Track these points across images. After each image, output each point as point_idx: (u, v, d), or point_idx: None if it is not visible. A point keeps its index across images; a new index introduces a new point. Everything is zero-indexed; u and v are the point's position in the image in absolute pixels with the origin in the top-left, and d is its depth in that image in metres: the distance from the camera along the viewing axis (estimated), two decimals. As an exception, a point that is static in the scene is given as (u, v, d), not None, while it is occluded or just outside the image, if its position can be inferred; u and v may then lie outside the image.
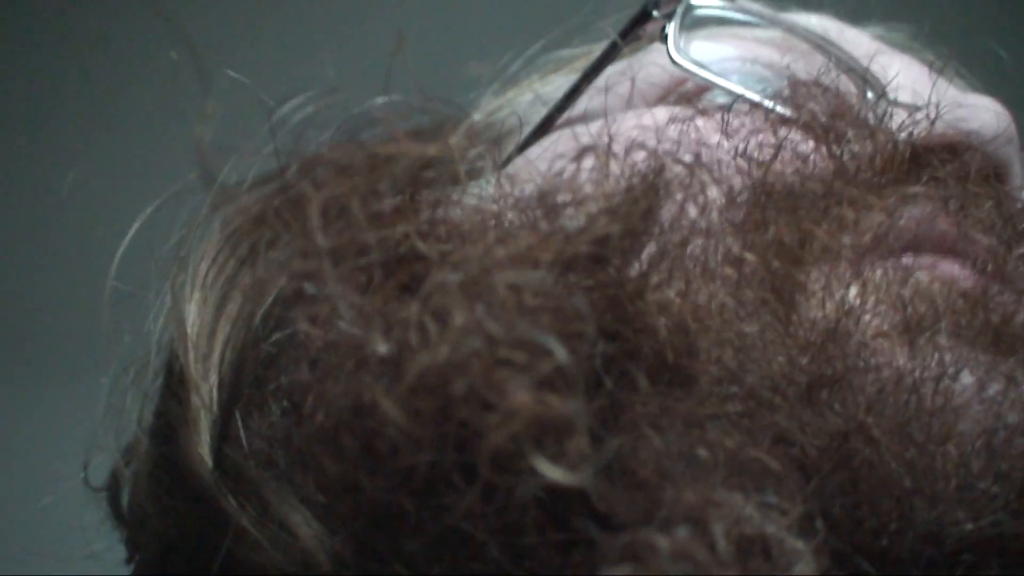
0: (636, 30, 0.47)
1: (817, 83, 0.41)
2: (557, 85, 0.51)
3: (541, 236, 0.30)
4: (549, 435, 0.27)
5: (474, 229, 0.31)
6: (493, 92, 0.54)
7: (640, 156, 0.34)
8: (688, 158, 0.35)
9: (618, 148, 0.35)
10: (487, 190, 0.36)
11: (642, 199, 0.32)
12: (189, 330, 0.36)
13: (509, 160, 0.45)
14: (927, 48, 0.56)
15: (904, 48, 0.54)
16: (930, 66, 0.53)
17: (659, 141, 0.36)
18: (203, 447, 0.35)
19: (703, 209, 0.34)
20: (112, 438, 0.41)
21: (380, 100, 0.39)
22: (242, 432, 0.34)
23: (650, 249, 0.33)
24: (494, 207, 0.32)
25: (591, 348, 0.29)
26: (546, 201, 0.31)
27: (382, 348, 0.28)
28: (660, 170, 0.33)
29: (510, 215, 0.32)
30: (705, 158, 0.37)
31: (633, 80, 0.45)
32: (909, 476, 0.31)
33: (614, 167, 0.34)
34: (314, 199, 0.29)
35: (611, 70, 0.47)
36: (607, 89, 0.46)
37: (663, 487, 0.28)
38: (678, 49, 0.45)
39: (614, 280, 0.31)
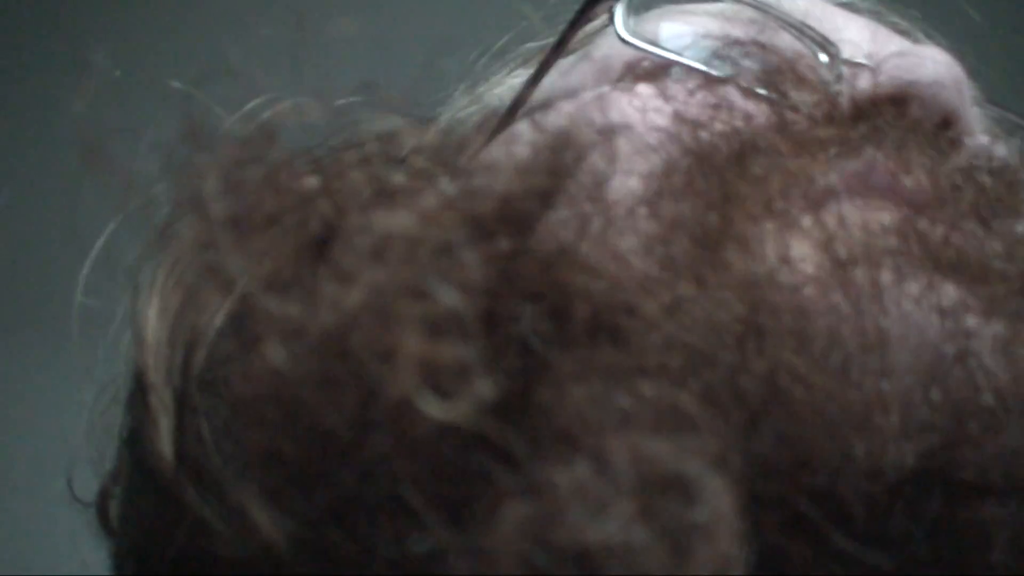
0: (588, 13, 0.48)
1: (754, 42, 0.41)
2: (525, 78, 0.52)
3: (445, 197, 0.30)
4: (445, 378, 0.27)
5: (382, 196, 0.32)
6: (463, 90, 0.55)
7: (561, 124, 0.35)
8: (611, 121, 0.35)
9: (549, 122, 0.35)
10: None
11: (549, 159, 0.32)
12: (148, 337, 0.37)
13: (478, 151, 0.46)
14: (894, 12, 0.57)
15: (867, 12, 0.54)
16: (894, 28, 0.54)
17: (582, 109, 0.36)
18: (165, 446, 0.35)
19: (631, 171, 0.35)
20: (95, 451, 0.42)
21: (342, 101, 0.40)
22: (204, 427, 0.35)
23: (573, 211, 0.33)
24: (406, 177, 0.33)
25: (513, 309, 0.30)
26: (455, 166, 0.32)
27: (291, 311, 0.29)
28: (568, 132, 0.33)
29: (422, 180, 0.33)
30: (639, 122, 0.37)
31: (588, 62, 0.46)
32: (845, 413, 0.31)
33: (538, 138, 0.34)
34: (212, 170, 0.30)
35: (570, 60, 0.48)
36: (564, 74, 0.46)
37: (580, 433, 0.28)
38: (628, 28, 0.45)
39: (532, 241, 0.31)
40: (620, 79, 0.44)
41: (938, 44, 0.57)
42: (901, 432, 0.31)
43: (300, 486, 0.30)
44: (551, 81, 0.48)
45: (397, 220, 0.29)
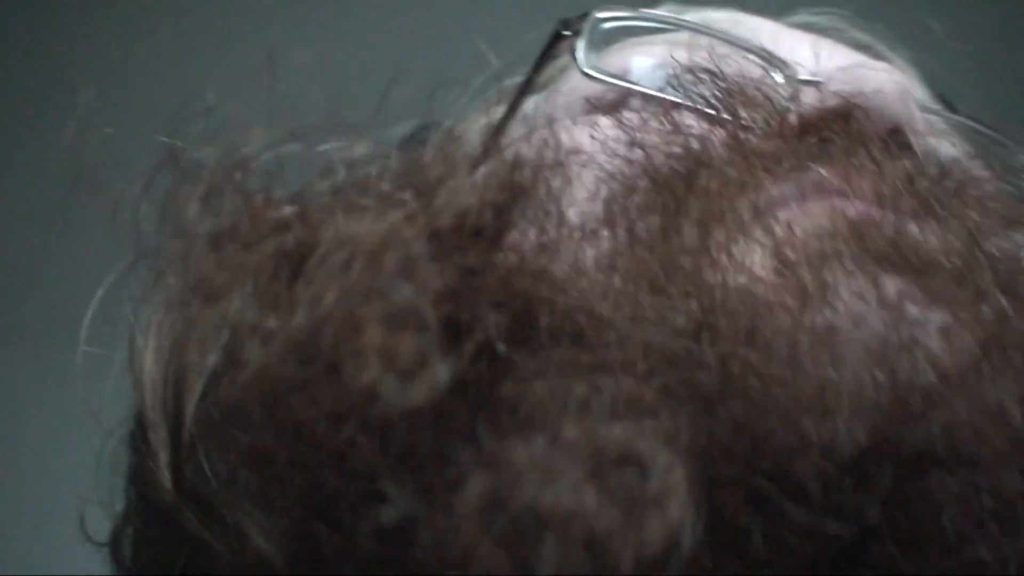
0: (552, 51, 0.51)
1: (707, 69, 0.44)
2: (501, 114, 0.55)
3: (409, 213, 0.33)
4: (404, 365, 0.30)
5: (349, 213, 0.35)
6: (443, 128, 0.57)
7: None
8: (569, 147, 0.38)
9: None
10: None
11: (505, 178, 0.35)
12: (145, 376, 0.40)
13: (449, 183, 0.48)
14: (855, 27, 0.59)
15: (828, 29, 0.56)
16: (853, 43, 0.56)
17: (539, 135, 0.38)
18: (164, 478, 0.38)
19: (589, 192, 0.37)
20: (105, 493, 0.44)
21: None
22: (201, 455, 0.37)
23: (536, 229, 0.36)
24: (374, 199, 0.36)
25: (477, 314, 0.32)
26: (420, 188, 0.34)
27: (270, 318, 0.32)
28: (523, 155, 0.36)
29: (389, 201, 0.35)
30: (598, 149, 0.40)
31: (554, 97, 0.48)
32: (798, 400, 0.33)
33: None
34: (192, 198, 0.33)
35: (540, 96, 0.51)
36: (534, 111, 0.49)
37: (540, 419, 0.30)
38: (589, 63, 0.48)
39: (497, 255, 0.34)
40: (582, 113, 0.47)
41: (900, 54, 0.59)
42: (851, 414, 0.33)
43: (286, 482, 0.33)
44: (522, 116, 0.51)
45: (364, 232, 0.32)
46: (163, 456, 0.38)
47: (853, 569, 0.33)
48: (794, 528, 0.32)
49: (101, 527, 0.46)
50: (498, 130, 0.50)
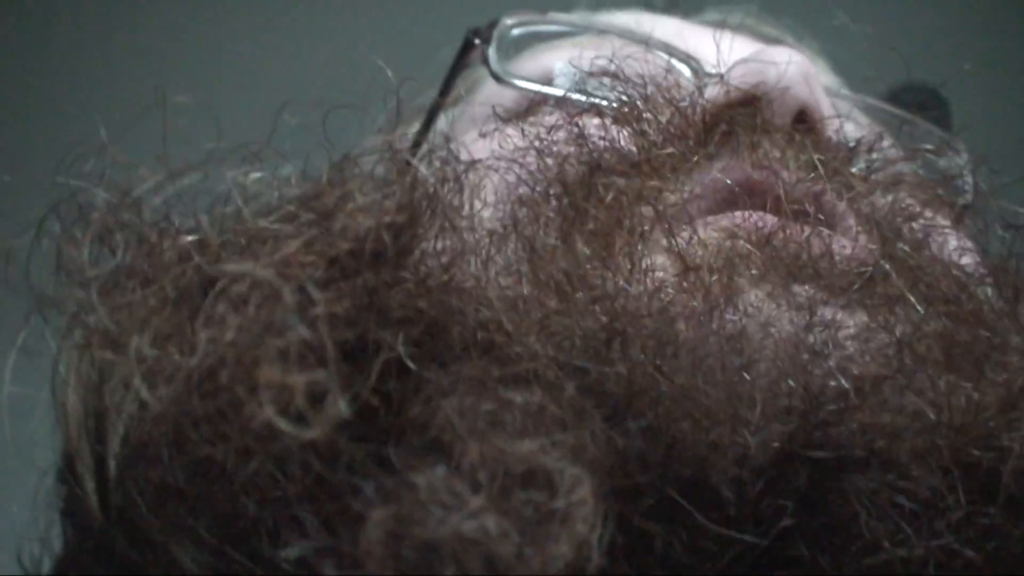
0: (464, 60, 0.51)
1: (611, 71, 0.44)
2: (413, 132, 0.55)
3: (307, 241, 0.33)
4: (301, 403, 0.30)
5: (250, 243, 0.35)
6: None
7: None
8: (466, 160, 0.38)
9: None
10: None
11: (403, 199, 0.35)
12: (69, 411, 0.40)
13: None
14: (765, 23, 0.59)
15: (740, 27, 0.57)
16: (763, 39, 0.56)
17: (439, 152, 0.39)
18: (93, 503, 0.38)
19: (491, 205, 0.37)
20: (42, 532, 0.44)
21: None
22: (128, 481, 0.37)
23: (442, 244, 0.36)
24: (273, 224, 0.36)
25: (383, 335, 0.32)
26: (322, 212, 0.35)
27: (168, 362, 0.32)
28: (419, 175, 0.36)
29: (287, 228, 0.35)
30: (501, 161, 0.40)
31: (467, 108, 0.49)
32: (709, 406, 0.33)
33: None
34: (84, 240, 0.33)
35: (454, 111, 0.51)
36: (448, 125, 0.50)
37: (447, 441, 0.31)
38: (501, 69, 0.48)
39: (402, 272, 0.34)
40: (490, 123, 0.46)
41: (808, 46, 0.60)
42: (764, 419, 0.33)
43: (199, 514, 0.33)
44: (441, 127, 0.52)
45: (261, 265, 0.32)
46: (90, 483, 0.38)
47: (771, 570, 0.34)
48: (708, 535, 0.33)
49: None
50: (415, 146, 0.50)
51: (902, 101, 0.60)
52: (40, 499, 0.46)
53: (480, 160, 0.38)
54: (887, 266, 0.38)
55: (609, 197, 0.38)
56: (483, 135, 0.44)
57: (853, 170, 0.42)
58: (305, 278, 0.32)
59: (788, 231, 0.38)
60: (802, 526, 0.33)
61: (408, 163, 0.36)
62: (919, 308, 0.36)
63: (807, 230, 0.38)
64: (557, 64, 0.48)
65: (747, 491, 0.33)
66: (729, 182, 0.40)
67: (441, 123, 0.52)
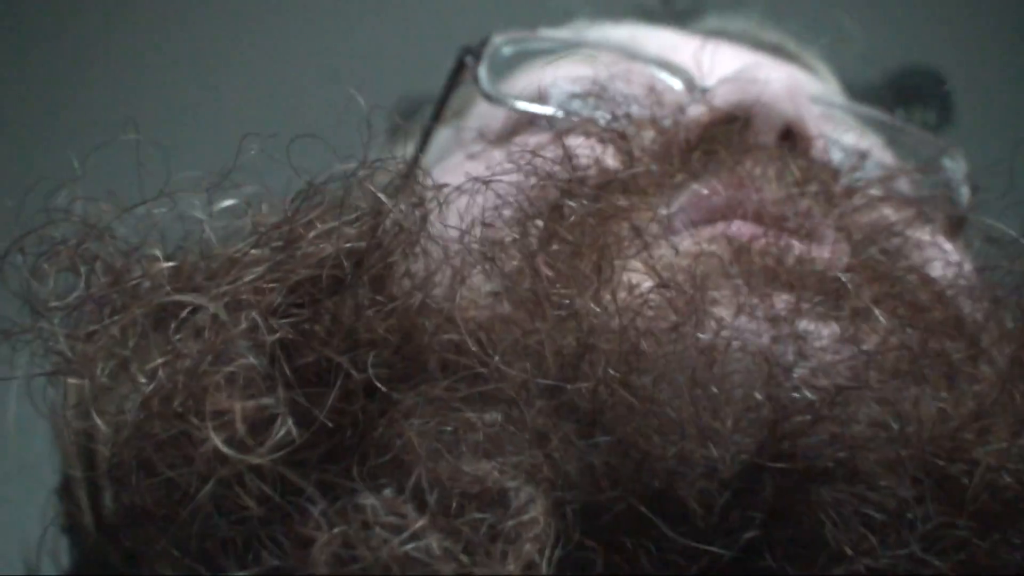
0: (457, 80, 0.52)
1: (597, 93, 0.45)
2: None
3: (268, 267, 0.34)
4: (249, 429, 0.31)
5: (215, 272, 0.36)
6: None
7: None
8: (440, 183, 0.38)
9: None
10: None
11: (363, 223, 0.36)
12: (65, 432, 0.41)
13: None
14: (763, 30, 0.59)
15: (740, 36, 0.57)
16: (763, 46, 0.56)
17: (411, 177, 0.39)
18: (88, 519, 0.40)
19: (469, 228, 0.38)
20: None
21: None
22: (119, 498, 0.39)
23: (416, 266, 0.36)
24: (237, 253, 0.37)
25: (352, 357, 0.33)
26: (289, 238, 0.35)
27: (131, 385, 0.33)
28: (383, 203, 0.36)
29: (253, 255, 0.36)
30: (486, 184, 0.40)
31: (456, 131, 0.50)
32: (679, 419, 0.33)
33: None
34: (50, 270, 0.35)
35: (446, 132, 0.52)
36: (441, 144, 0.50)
37: (405, 462, 0.31)
38: (492, 88, 0.49)
39: (377, 295, 0.35)
40: (475, 144, 0.47)
41: (815, 50, 0.59)
42: (733, 431, 0.33)
43: (170, 535, 0.34)
44: (437, 148, 0.52)
45: (221, 292, 0.33)
46: (85, 502, 0.40)
47: None
48: (676, 547, 0.33)
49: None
50: (409, 171, 0.51)
51: (903, 85, 0.60)
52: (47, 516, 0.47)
53: (448, 184, 0.39)
54: (858, 277, 0.38)
55: (577, 217, 0.38)
56: (470, 157, 0.44)
57: (837, 187, 0.42)
58: (257, 305, 0.33)
59: (764, 240, 0.38)
60: (769, 537, 0.34)
61: (372, 190, 0.37)
62: (882, 319, 0.36)
63: (783, 239, 0.39)
64: (546, 83, 0.48)
65: (715, 503, 0.33)
66: (708, 196, 0.40)
67: (438, 141, 0.52)
